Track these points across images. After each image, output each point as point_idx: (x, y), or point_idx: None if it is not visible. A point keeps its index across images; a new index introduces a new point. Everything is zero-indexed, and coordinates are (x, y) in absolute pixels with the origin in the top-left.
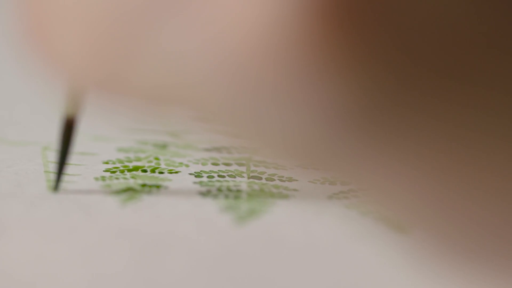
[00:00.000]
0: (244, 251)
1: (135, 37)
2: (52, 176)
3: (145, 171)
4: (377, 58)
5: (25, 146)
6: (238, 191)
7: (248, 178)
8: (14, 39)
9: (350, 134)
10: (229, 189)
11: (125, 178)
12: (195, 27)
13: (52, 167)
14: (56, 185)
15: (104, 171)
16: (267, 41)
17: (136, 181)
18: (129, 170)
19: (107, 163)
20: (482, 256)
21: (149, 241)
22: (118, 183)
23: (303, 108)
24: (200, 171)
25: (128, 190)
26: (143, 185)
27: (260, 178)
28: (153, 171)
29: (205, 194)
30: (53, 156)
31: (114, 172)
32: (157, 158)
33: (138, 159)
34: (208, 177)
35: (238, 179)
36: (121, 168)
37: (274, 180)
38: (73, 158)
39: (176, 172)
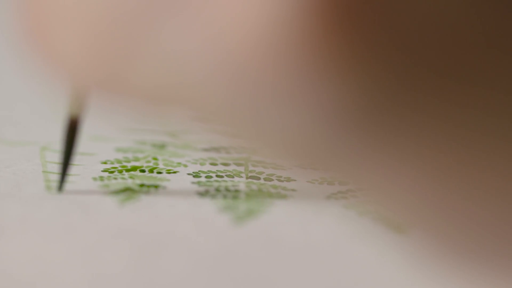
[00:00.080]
0: (243, 251)
1: (135, 37)
2: (56, 177)
3: (143, 171)
4: (376, 58)
5: (24, 146)
6: (236, 191)
7: (247, 178)
8: (14, 38)
9: (349, 134)
10: (227, 189)
11: (123, 178)
12: (194, 27)
13: (52, 167)
14: (60, 186)
15: (102, 171)
16: (266, 41)
17: (134, 181)
18: (127, 170)
19: (105, 163)
20: (482, 256)
21: (148, 241)
22: (116, 183)
23: (303, 108)
24: (199, 171)
25: (126, 190)
26: (141, 185)
27: (259, 178)
28: (151, 171)
29: (203, 194)
30: (51, 156)
31: (112, 172)
32: (155, 158)
33: (137, 159)
34: (206, 177)
35: (236, 179)
36: (119, 168)
37: (273, 180)
38: (71, 166)
39: (175, 172)
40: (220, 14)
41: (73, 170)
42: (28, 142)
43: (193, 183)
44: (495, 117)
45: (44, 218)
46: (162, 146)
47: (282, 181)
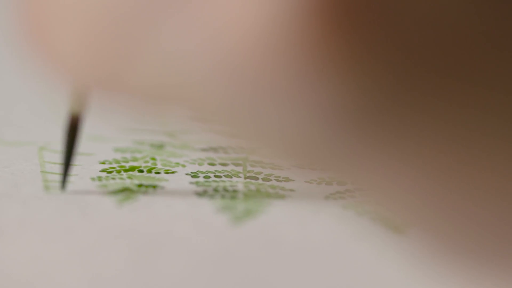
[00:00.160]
0: (241, 251)
1: (134, 36)
2: (56, 176)
3: (141, 171)
4: (375, 58)
5: (22, 146)
6: (235, 191)
7: (245, 178)
8: (13, 38)
9: (348, 133)
10: (225, 189)
11: (121, 178)
12: (193, 26)
13: (50, 167)
14: (63, 184)
15: (100, 171)
16: (265, 40)
17: (133, 181)
18: (126, 170)
19: (103, 163)
20: (482, 256)
21: (146, 241)
22: (114, 183)
23: (302, 107)
24: (197, 171)
25: (125, 190)
26: (140, 185)
27: (257, 178)
28: (149, 171)
29: (201, 194)
30: (49, 156)
31: (110, 172)
32: (153, 158)
33: (135, 159)
34: (204, 177)
35: (234, 179)
36: (118, 168)
37: (271, 180)
38: (72, 165)
39: (173, 172)
40: (219, 13)
41: (71, 170)
42: (26, 142)
43: (191, 183)
44: (495, 117)
45: (42, 218)
46: (160, 146)
47: (281, 181)
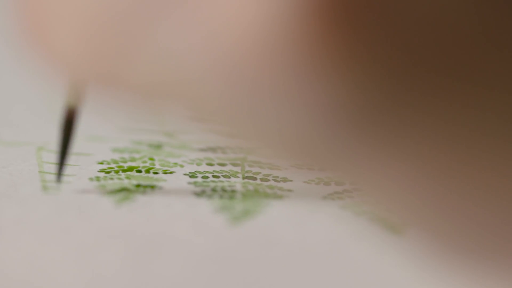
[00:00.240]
0: (239, 251)
1: (132, 33)
2: (54, 174)
3: (139, 171)
4: (374, 57)
5: (20, 147)
6: (233, 191)
7: (243, 178)
8: (11, 36)
9: (347, 133)
10: (223, 190)
11: (119, 179)
12: (192, 24)
13: (48, 167)
14: (59, 178)
15: (98, 171)
16: (264, 39)
17: (131, 181)
18: (124, 171)
19: (101, 163)
20: (482, 256)
21: (144, 241)
22: (112, 183)
23: (300, 107)
24: (195, 171)
25: (123, 190)
26: (138, 186)
27: (255, 179)
28: (147, 171)
29: (199, 194)
30: (48, 157)
31: (108, 172)
32: (151, 159)
33: (133, 160)
34: (202, 177)
35: (232, 179)
36: (116, 169)
37: (269, 180)
38: (68, 158)
39: (171, 173)
40: (217, 11)
41: (69, 170)
42: (25, 143)
43: (189, 183)
44: (495, 117)
45: (40, 219)
46: (158, 146)
47: (279, 181)
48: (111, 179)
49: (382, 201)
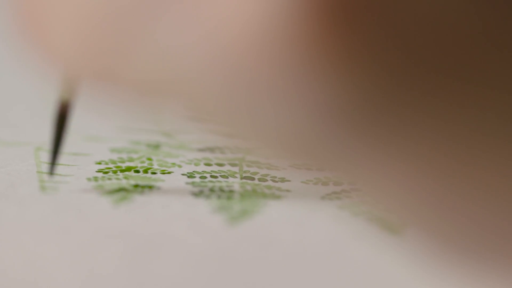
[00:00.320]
0: (237, 251)
1: (130, 31)
2: (47, 164)
3: (137, 171)
4: (373, 56)
5: (18, 147)
6: (231, 191)
7: (241, 178)
8: (10, 35)
9: (346, 133)
10: (221, 190)
11: (117, 179)
12: (190, 22)
13: (46, 167)
14: (51, 170)
15: (96, 171)
16: (262, 38)
17: (129, 181)
18: (122, 171)
19: (99, 163)
20: (481, 255)
21: (142, 241)
22: (110, 183)
23: (299, 106)
24: (193, 171)
25: (121, 190)
26: (136, 186)
27: (253, 179)
28: (145, 171)
29: (197, 194)
30: (46, 157)
31: (106, 172)
32: (149, 159)
33: (131, 160)
34: (200, 177)
35: (230, 179)
36: (114, 169)
37: (267, 180)
38: (66, 158)
39: (169, 173)
40: (215, 10)
41: (67, 170)
42: (23, 143)
43: (187, 183)
44: (495, 117)
45: (38, 219)
46: (156, 146)
47: (277, 181)
48: (109, 179)
49: (381, 201)
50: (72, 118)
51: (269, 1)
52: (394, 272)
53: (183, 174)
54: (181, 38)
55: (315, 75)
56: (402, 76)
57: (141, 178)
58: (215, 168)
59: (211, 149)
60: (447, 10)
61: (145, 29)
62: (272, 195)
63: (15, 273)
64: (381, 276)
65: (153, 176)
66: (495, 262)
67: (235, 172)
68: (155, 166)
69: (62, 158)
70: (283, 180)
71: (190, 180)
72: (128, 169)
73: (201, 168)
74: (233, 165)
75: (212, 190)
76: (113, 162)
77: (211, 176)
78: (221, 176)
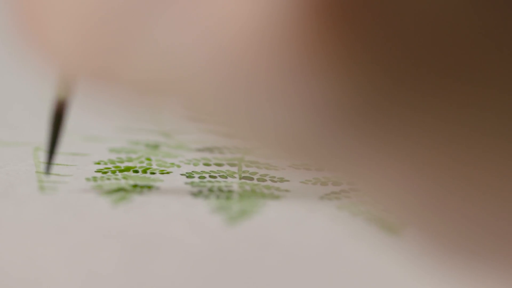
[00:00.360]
0: (236, 251)
1: (128, 30)
2: (44, 161)
3: (136, 171)
4: (372, 56)
5: (17, 147)
6: (230, 191)
7: (240, 178)
8: (9, 35)
9: (345, 133)
10: (220, 190)
11: (116, 179)
12: (188, 21)
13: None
14: (48, 168)
15: (95, 171)
16: (260, 37)
17: (128, 181)
18: (121, 171)
19: (98, 163)
20: (480, 256)
21: (141, 241)
22: (109, 183)
23: (298, 106)
24: (192, 171)
25: (120, 190)
26: (135, 186)
27: (252, 179)
28: (144, 171)
29: (196, 194)
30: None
31: (105, 172)
32: (148, 159)
33: (130, 160)
34: (199, 177)
35: (229, 179)
36: (113, 169)
37: (266, 180)
38: (65, 158)
39: (168, 173)
40: (214, 9)
41: (66, 170)
42: (21, 143)
43: (186, 183)
44: (495, 117)
45: (37, 219)
46: (155, 146)
47: (276, 181)
48: (108, 179)
49: (380, 201)
50: (69, 117)
51: (267, 0)
52: (393, 272)
53: (182, 174)
54: (180, 37)
55: (314, 75)
56: (401, 76)
57: (140, 178)
58: (214, 168)
59: (210, 149)
60: (447, 10)
61: (144, 29)
62: (271, 195)
63: (14, 272)
64: (380, 276)
65: (152, 176)
66: (494, 262)
67: (234, 172)
68: (154, 166)
69: (61, 158)
70: (282, 180)
71: (189, 180)
72: (127, 169)
73: (200, 168)
74: (232, 165)
75: (211, 190)
76: (112, 162)
77: (210, 176)
78: (220, 176)
